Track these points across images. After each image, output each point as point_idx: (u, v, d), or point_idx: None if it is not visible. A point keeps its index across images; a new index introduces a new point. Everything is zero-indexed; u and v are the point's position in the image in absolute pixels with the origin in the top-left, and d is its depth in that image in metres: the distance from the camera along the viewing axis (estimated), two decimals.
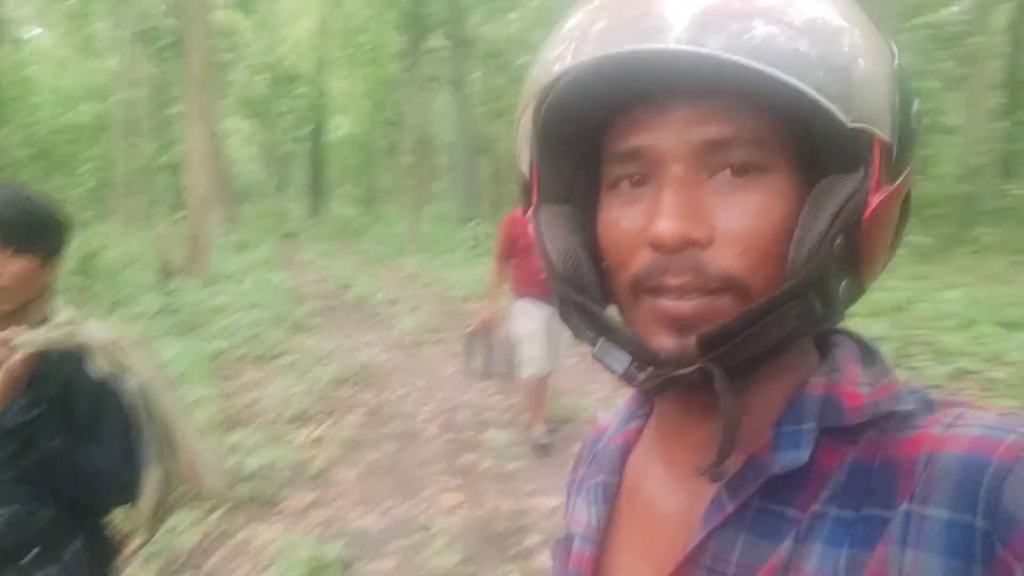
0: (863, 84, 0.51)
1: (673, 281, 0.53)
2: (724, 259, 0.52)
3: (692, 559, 0.55)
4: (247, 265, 13.14)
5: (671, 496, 0.61)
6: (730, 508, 0.54)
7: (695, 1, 0.50)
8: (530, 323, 4.97)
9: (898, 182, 0.54)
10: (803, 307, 0.51)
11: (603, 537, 0.65)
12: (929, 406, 0.54)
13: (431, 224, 19.76)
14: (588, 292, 0.60)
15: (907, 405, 0.53)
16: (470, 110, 21.47)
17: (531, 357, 4.97)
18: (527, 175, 0.66)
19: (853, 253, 0.53)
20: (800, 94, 0.49)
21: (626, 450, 0.68)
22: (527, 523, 3.97)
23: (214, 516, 3.87)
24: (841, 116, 0.49)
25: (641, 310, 0.56)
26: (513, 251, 5.09)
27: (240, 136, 32.34)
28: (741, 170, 0.53)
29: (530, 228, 0.64)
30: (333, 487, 4.42)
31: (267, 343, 7.72)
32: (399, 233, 18.74)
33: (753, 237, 0.53)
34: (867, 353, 0.59)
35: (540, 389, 5.12)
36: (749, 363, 0.53)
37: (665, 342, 0.54)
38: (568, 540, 0.69)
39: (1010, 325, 6.93)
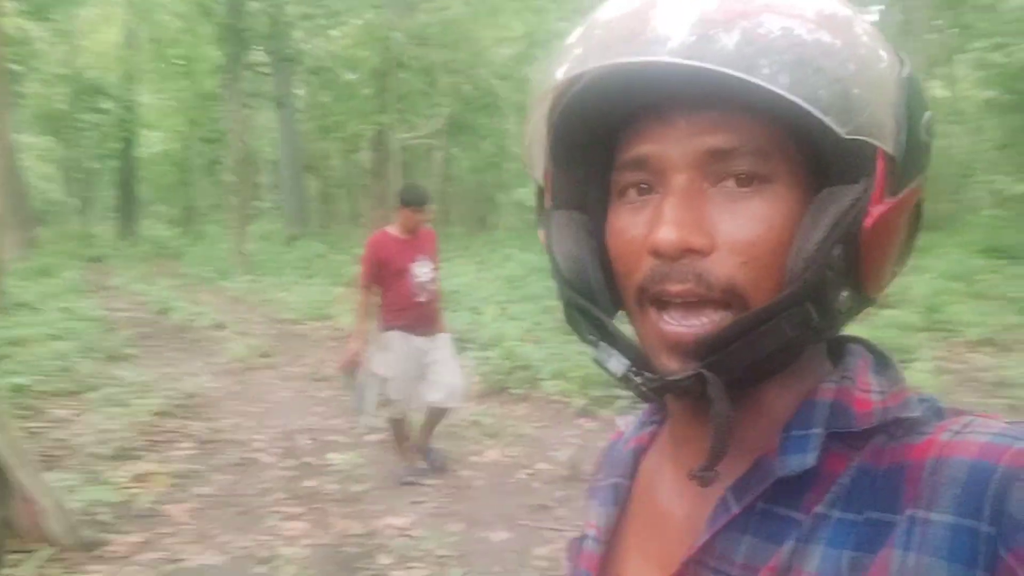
0: (864, 95, 0.51)
1: (673, 288, 0.53)
2: (725, 268, 0.53)
3: (697, 559, 0.56)
4: (49, 292, 11.98)
5: (679, 499, 0.62)
6: (735, 510, 0.55)
7: (693, 12, 0.50)
8: (394, 362, 4.67)
9: (903, 193, 0.53)
10: (800, 317, 0.52)
11: (612, 537, 0.66)
12: (938, 414, 0.54)
13: (256, 244, 18.97)
14: (593, 297, 0.61)
15: (916, 412, 0.54)
16: (296, 127, 20.90)
17: (395, 399, 4.74)
18: (539, 181, 0.67)
19: (854, 264, 0.53)
20: (795, 105, 0.49)
21: (639, 454, 0.70)
22: (377, 544, 3.89)
23: (28, 566, 3.49)
24: (837, 128, 0.49)
25: (646, 325, 0.56)
26: (381, 276, 4.68)
27: (36, 153, 29.58)
28: (744, 180, 0.54)
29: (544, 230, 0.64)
30: (165, 525, 4.11)
31: (78, 376, 7.09)
32: (222, 254, 17.82)
33: (754, 247, 0.53)
34: (881, 362, 0.59)
35: (403, 429, 4.89)
36: (751, 371, 0.54)
37: (670, 364, 0.54)
38: (581, 540, 0.70)
39: None
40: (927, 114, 0.55)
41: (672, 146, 0.55)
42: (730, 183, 0.54)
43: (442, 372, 4.77)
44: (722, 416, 0.52)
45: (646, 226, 0.55)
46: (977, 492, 0.46)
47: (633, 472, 0.69)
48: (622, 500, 0.67)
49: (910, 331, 7.39)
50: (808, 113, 0.49)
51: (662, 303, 0.55)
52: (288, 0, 17.81)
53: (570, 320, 0.62)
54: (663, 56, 0.49)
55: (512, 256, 13.76)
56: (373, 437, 5.59)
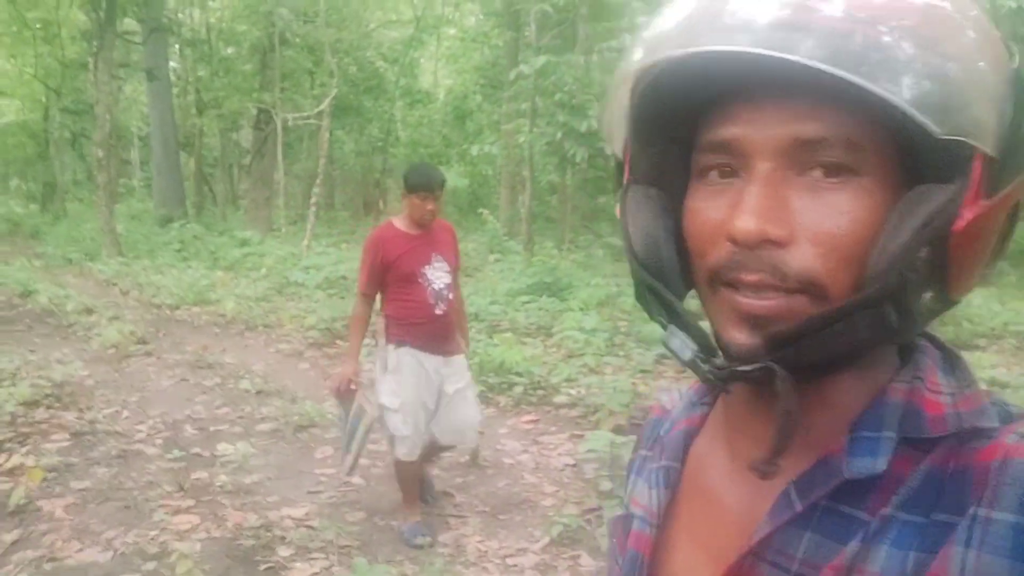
0: (964, 92, 0.48)
1: (748, 277, 0.53)
2: (803, 260, 0.52)
3: (755, 552, 0.56)
4: None
5: (734, 488, 0.62)
6: (799, 507, 0.54)
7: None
8: (405, 387, 3.67)
9: (1000, 195, 0.51)
10: (876, 317, 0.50)
11: (663, 521, 0.66)
12: (1007, 417, 0.54)
13: (126, 225, 17.90)
14: (665, 277, 0.60)
15: (994, 422, 0.53)
16: (170, 101, 19.80)
17: (404, 434, 3.70)
18: (619, 155, 0.65)
19: (940, 266, 0.51)
20: (888, 102, 0.47)
21: (690, 436, 0.69)
22: (275, 536, 3.79)
23: None
24: (933, 127, 0.47)
25: (718, 301, 0.56)
26: (387, 279, 3.70)
27: None
28: (832, 171, 0.52)
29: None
30: (40, 522, 3.85)
31: None
32: (88, 234, 16.72)
33: (835, 239, 0.52)
34: (949, 360, 0.58)
35: (413, 473, 3.89)
36: (820, 364, 0.53)
37: (738, 336, 0.54)
38: (627, 519, 0.69)
39: None
40: None
41: (758, 132, 0.54)
42: (817, 173, 0.53)
43: (458, 407, 3.84)
44: (789, 412, 0.51)
45: (726, 210, 0.55)
46: None
47: (684, 455, 0.68)
48: (673, 483, 0.67)
49: None
50: (899, 111, 0.48)
51: (735, 286, 0.54)
52: None
53: (640, 298, 0.62)
54: (751, 47, 0.48)
55: None
56: (264, 426, 5.43)
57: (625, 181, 0.64)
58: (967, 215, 0.50)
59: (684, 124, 0.60)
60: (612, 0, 12.52)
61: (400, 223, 3.80)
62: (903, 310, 0.51)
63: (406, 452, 3.75)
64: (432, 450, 4.05)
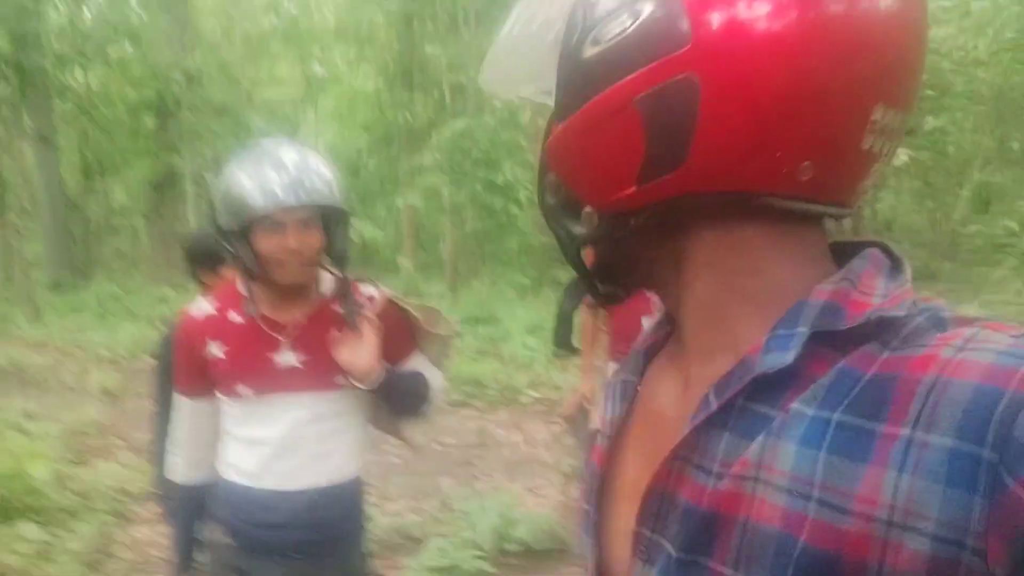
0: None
1: None
2: None
3: (682, 455, 0.56)
4: None
5: (675, 398, 0.63)
6: (715, 406, 0.54)
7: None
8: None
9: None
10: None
11: (617, 433, 0.68)
12: (939, 324, 0.51)
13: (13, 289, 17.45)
14: None
15: (901, 312, 0.52)
16: (58, 166, 19.69)
17: None
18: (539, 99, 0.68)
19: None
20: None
21: (651, 352, 0.70)
22: None
23: None
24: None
25: None
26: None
27: None
28: None
29: None
30: None
31: None
32: None
33: None
34: (895, 267, 0.57)
35: None
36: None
37: None
38: (598, 435, 0.72)
39: None
40: None
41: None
42: None
43: None
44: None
45: None
46: (981, 416, 0.44)
47: (643, 369, 0.70)
48: (630, 397, 0.69)
49: None
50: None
51: None
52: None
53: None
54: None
55: None
56: None
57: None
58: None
59: None
60: None
61: None
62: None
63: None
64: None
